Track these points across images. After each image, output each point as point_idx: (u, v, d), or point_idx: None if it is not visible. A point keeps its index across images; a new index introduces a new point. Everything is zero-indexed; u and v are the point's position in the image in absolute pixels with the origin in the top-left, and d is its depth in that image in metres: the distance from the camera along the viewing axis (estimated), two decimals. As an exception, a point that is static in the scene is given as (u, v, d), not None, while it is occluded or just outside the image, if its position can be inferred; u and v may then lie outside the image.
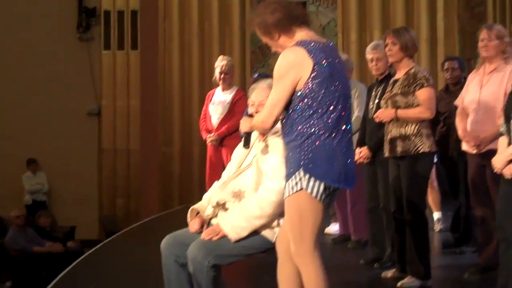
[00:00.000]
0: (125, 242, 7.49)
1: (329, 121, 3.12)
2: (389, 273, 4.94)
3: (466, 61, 6.58)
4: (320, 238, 3.23)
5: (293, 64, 3.14)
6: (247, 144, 3.56)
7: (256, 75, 6.97)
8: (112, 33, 11.81)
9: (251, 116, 3.55)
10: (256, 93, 3.68)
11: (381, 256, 5.37)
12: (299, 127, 3.13)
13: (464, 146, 4.90)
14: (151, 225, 8.44)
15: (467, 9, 10.43)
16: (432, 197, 6.97)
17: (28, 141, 11.94)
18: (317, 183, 3.08)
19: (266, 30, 3.27)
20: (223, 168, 6.99)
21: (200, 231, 3.57)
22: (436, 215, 6.96)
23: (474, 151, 4.77)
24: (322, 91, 3.12)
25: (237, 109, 6.90)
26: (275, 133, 3.59)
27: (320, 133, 3.11)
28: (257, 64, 11.60)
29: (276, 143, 3.54)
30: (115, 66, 11.91)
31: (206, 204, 3.71)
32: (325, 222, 6.78)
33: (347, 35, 11.11)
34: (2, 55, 11.94)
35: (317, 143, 3.10)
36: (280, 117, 3.22)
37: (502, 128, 3.99)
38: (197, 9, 11.42)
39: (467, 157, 4.92)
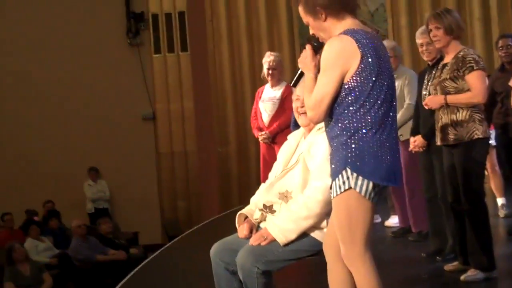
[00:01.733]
0: (186, 246, 7.49)
1: (376, 116, 2.95)
2: (452, 266, 4.77)
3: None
4: (371, 238, 3.09)
5: (342, 53, 2.94)
6: (295, 84, 3.23)
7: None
8: (161, 37, 11.85)
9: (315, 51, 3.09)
10: (302, 87, 3.56)
11: (443, 247, 5.20)
12: (346, 122, 2.96)
13: None
14: (212, 227, 8.42)
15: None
16: (494, 182, 6.73)
17: (87, 149, 12.12)
18: (365, 182, 2.93)
19: (313, 8, 3.04)
20: (277, 165, 6.97)
21: (249, 236, 3.48)
22: (500, 200, 6.71)
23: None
24: (370, 84, 2.94)
25: (287, 105, 6.78)
26: (320, 128, 3.48)
27: (367, 128, 2.94)
28: (308, 57, 11.45)
29: (321, 139, 3.42)
30: (166, 69, 11.95)
31: (253, 207, 3.62)
32: (379, 217, 6.61)
33: (397, 20, 10.85)
34: (58, 66, 12.14)
35: (364, 139, 2.93)
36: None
37: None
38: (244, 7, 11.37)
39: (528, 139, 4.71)
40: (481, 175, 4.60)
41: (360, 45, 2.94)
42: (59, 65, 12.14)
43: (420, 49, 5.25)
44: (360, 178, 2.93)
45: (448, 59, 4.62)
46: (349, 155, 2.93)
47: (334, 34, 3.06)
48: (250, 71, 11.45)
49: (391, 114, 3.01)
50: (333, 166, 3.02)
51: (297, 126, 6.59)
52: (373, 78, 2.95)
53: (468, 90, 4.45)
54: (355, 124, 2.95)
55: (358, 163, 2.92)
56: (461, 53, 4.52)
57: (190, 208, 12.31)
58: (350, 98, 2.96)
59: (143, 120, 12.27)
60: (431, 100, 4.60)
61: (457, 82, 4.48)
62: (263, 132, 6.87)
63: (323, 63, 2.99)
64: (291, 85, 3.27)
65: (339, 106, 2.99)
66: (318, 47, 3.09)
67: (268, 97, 6.92)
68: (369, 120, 2.94)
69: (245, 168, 11.74)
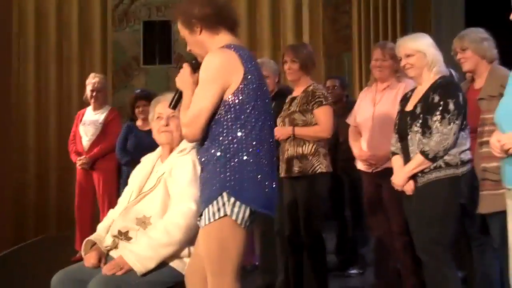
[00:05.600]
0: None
1: (258, 138, 2.76)
2: (284, 301, 4.70)
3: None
4: (240, 268, 2.89)
5: (225, 67, 2.75)
6: (175, 106, 2.97)
7: (138, 90, 6.56)
8: (-41, 51, 10.82)
9: (194, 69, 2.90)
10: (163, 105, 3.31)
11: (272, 282, 5.12)
12: (225, 143, 2.73)
13: (360, 165, 4.79)
14: (8, 259, 7.68)
15: (332, 32, 10.55)
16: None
17: None
18: (242, 208, 2.71)
19: (188, 20, 2.88)
20: (94, 194, 6.56)
21: (97, 266, 3.13)
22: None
23: (370, 170, 4.67)
24: (252, 103, 2.76)
25: (110, 129, 6.48)
26: (181, 151, 3.26)
27: (249, 150, 2.73)
28: (120, 84, 11.10)
29: (183, 162, 3.20)
30: (-38, 86, 10.90)
31: (103, 234, 3.26)
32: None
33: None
34: None
35: (245, 163, 2.72)
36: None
37: (394, 148, 3.95)
38: (55, 26, 10.73)
39: (363, 176, 4.80)
40: (321, 208, 4.61)
41: (243, 61, 2.78)
42: None
43: None
44: (238, 204, 2.71)
45: (297, 92, 4.66)
46: (228, 178, 2.71)
47: (210, 50, 2.87)
48: (57, 95, 10.77)
49: (272, 136, 2.87)
50: (207, 191, 2.76)
51: (124, 151, 6.27)
52: (255, 97, 2.78)
53: (316, 124, 4.48)
54: (235, 145, 2.74)
55: (237, 188, 2.71)
56: (311, 88, 4.59)
57: (-22, 238, 11.23)
58: (229, 117, 2.75)
59: None
60: (279, 131, 4.56)
61: (305, 115, 4.51)
62: (82, 157, 6.45)
63: (203, 76, 2.78)
64: (170, 107, 2.98)
65: (217, 124, 2.77)
66: (196, 66, 2.88)
67: (89, 120, 6.54)
68: (250, 142, 2.75)
69: (44, 198, 10.97)
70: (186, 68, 2.91)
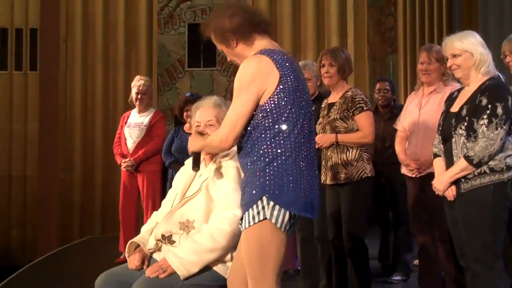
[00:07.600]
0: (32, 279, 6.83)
1: (296, 141, 2.76)
2: (327, 305, 4.68)
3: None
4: (281, 273, 2.88)
5: (259, 73, 2.76)
6: (196, 166, 3.09)
7: (188, 94, 6.60)
8: (9, 53, 11.07)
9: (201, 134, 3.14)
10: (201, 112, 3.33)
11: (314, 287, 5.10)
12: (263, 147, 2.74)
13: (404, 170, 4.73)
14: (53, 260, 7.79)
15: (377, 34, 10.47)
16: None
17: None
18: (282, 212, 2.71)
19: (222, 36, 2.90)
20: (138, 195, 6.62)
21: (140, 268, 3.16)
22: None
23: (414, 175, 4.60)
24: (289, 107, 2.76)
25: (155, 132, 6.52)
26: (226, 156, 3.26)
27: (287, 154, 2.73)
28: (165, 87, 11.19)
29: (228, 167, 3.20)
30: (11, 88, 11.16)
31: (146, 236, 3.29)
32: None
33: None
34: None
35: (284, 167, 2.72)
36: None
37: (437, 149, 3.81)
38: (102, 30, 10.89)
39: (407, 181, 4.74)
40: (365, 213, 4.59)
41: (278, 66, 2.78)
42: None
43: None
44: (277, 208, 2.72)
45: (335, 98, 4.63)
46: (267, 182, 2.72)
47: None
48: (103, 96, 10.95)
49: (311, 139, 2.85)
50: (247, 195, 2.77)
51: (169, 153, 6.36)
52: (292, 101, 2.78)
53: (357, 130, 4.46)
54: (274, 149, 2.74)
55: (276, 192, 2.71)
56: (349, 93, 4.55)
57: (25, 236, 11.47)
58: (267, 121, 2.76)
59: (-19, 139, 11.33)
60: (322, 139, 4.54)
61: (347, 122, 4.49)
62: (127, 159, 6.50)
63: (238, 84, 2.81)
64: (192, 169, 3.13)
65: (255, 129, 2.78)
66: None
67: (134, 123, 6.59)
68: (289, 145, 2.75)
69: (90, 198, 11.13)
70: (195, 136, 3.12)
